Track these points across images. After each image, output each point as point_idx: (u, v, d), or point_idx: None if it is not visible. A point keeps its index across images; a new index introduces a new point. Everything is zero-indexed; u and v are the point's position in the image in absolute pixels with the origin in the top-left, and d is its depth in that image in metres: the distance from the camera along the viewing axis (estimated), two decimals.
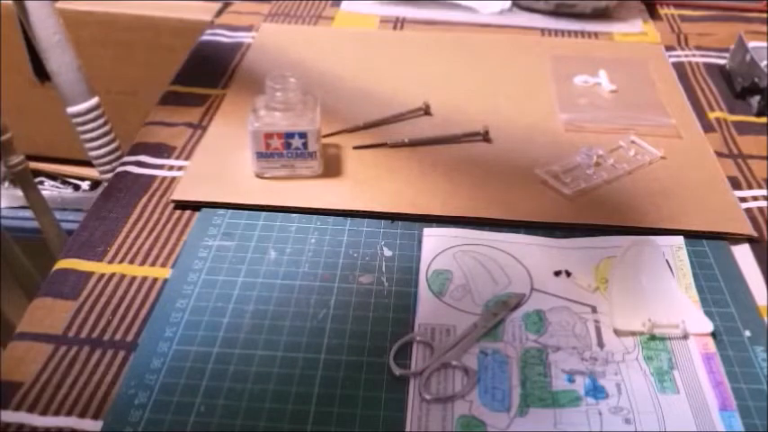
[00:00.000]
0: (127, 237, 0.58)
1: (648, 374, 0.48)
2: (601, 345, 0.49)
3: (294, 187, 0.62)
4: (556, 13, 0.95)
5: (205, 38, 0.86)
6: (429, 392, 0.46)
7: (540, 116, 0.74)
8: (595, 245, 0.58)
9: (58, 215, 1.03)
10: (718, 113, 0.76)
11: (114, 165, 0.87)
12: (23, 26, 0.84)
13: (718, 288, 0.54)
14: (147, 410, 0.45)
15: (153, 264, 0.55)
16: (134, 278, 0.54)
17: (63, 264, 0.55)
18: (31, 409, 0.45)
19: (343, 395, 0.46)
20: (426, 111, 0.73)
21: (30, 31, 0.83)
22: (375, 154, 0.67)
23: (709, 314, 0.52)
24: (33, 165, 1.12)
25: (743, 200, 0.63)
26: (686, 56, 0.87)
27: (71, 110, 0.85)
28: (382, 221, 0.60)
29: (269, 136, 0.61)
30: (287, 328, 0.50)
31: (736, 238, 0.59)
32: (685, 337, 0.50)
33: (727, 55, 0.83)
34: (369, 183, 0.63)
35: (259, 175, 0.63)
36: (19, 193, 1.11)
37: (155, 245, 0.57)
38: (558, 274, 0.55)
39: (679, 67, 0.84)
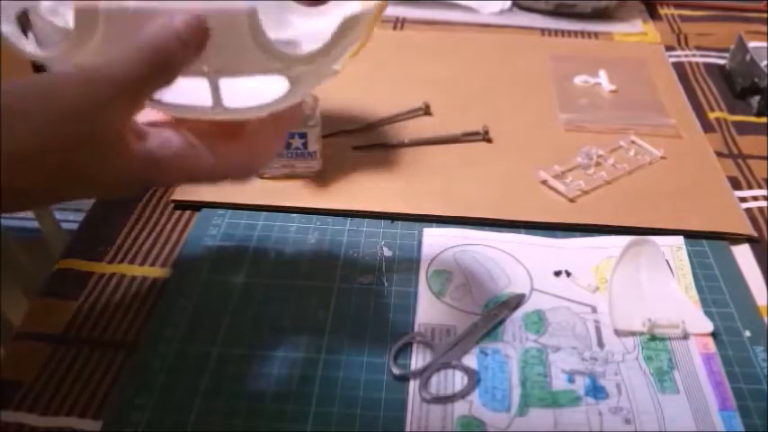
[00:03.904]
0: (127, 237, 0.58)
1: (648, 374, 0.47)
2: (601, 345, 0.49)
3: (294, 187, 0.62)
4: (556, 13, 0.95)
5: None
6: (429, 392, 0.46)
7: (540, 116, 0.74)
8: (595, 245, 0.58)
9: (58, 215, 1.03)
10: (718, 113, 0.76)
11: None
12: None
13: (718, 288, 0.54)
14: (147, 411, 0.45)
15: (153, 264, 0.55)
16: (134, 278, 0.54)
17: (63, 264, 0.55)
18: (31, 410, 0.45)
19: (343, 395, 0.46)
20: (426, 111, 0.73)
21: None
22: (375, 154, 0.67)
23: (709, 314, 0.52)
24: None
25: (743, 200, 0.63)
26: (686, 56, 0.87)
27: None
28: (382, 221, 0.60)
29: None
30: (287, 329, 0.50)
31: (736, 238, 0.59)
32: (685, 337, 0.50)
33: (727, 55, 0.83)
34: (369, 183, 0.63)
35: (259, 175, 0.63)
36: None
37: (155, 245, 0.57)
38: (558, 274, 0.55)
39: (679, 67, 0.84)
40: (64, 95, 0.36)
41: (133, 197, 0.59)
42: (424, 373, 0.47)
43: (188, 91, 0.41)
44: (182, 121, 0.43)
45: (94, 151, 0.38)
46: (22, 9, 0.42)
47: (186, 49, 0.38)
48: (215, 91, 0.41)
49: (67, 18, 0.43)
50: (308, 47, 0.41)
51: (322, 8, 0.48)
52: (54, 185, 0.39)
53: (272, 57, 0.40)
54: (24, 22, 0.44)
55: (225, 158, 0.42)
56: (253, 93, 0.42)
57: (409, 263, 0.56)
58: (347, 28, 0.42)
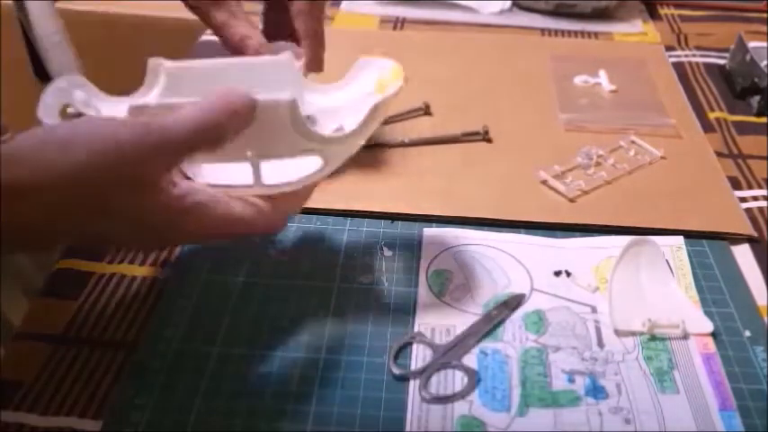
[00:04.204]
0: None
1: (648, 374, 0.47)
2: (601, 345, 0.49)
3: None
4: (556, 13, 0.95)
5: (205, 38, 0.86)
6: (429, 392, 0.46)
7: (540, 116, 0.74)
8: (595, 245, 0.58)
9: None
10: (718, 113, 0.76)
11: None
12: (23, 26, 0.84)
13: (718, 288, 0.54)
14: (147, 411, 0.45)
15: (153, 264, 0.55)
16: (134, 278, 0.54)
17: (63, 264, 0.55)
18: (30, 410, 0.45)
19: (343, 395, 0.46)
20: (426, 111, 0.73)
21: (30, 31, 0.83)
22: (375, 154, 0.67)
23: (709, 314, 0.52)
24: None
25: (743, 200, 0.63)
26: (686, 56, 0.87)
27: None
28: (382, 221, 0.60)
29: None
30: (287, 328, 0.50)
31: (736, 238, 0.59)
32: (685, 337, 0.50)
33: (727, 55, 0.83)
34: (369, 183, 0.63)
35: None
36: None
37: None
38: (558, 274, 0.55)
39: (679, 67, 0.84)
40: (116, 134, 0.38)
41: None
42: (424, 373, 0.47)
43: (224, 168, 0.45)
44: None
45: (126, 189, 0.39)
46: (63, 105, 0.45)
47: (236, 123, 0.42)
48: (256, 172, 0.45)
49: (99, 108, 0.46)
50: (324, 122, 0.46)
51: (335, 86, 0.52)
52: (74, 219, 0.40)
53: (309, 140, 0.45)
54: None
55: (252, 211, 0.45)
56: (286, 166, 0.46)
57: (409, 263, 0.56)
58: (376, 112, 0.47)
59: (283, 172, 0.46)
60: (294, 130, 0.44)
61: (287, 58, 0.51)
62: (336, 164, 0.47)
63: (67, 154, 0.37)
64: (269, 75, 0.47)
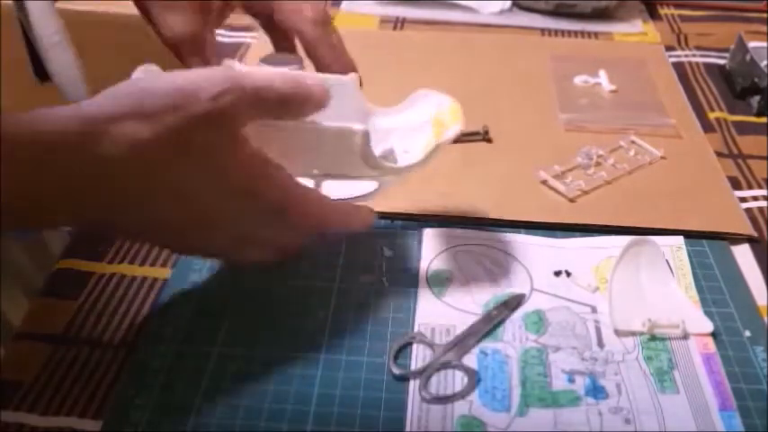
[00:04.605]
0: None
1: (648, 374, 0.47)
2: (601, 345, 0.49)
3: None
4: (556, 13, 0.95)
5: None
6: (429, 392, 0.46)
7: (540, 116, 0.74)
8: (595, 245, 0.58)
9: None
10: (718, 113, 0.76)
11: None
12: (23, 26, 0.84)
13: (718, 288, 0.54)
14: (147, 411, 0.45)
15: (153, 264, 0.55)
16: (134, 278, 0.54)
17: (63, 264, 0.55)
18: (31, 410, 0.45)
19: (343, 395, 0.46)
20: None
21: (30, 31, 0.83)
22: None
23: (709, 314, 0.52)
24: None
25: (743, 200, 0.63)
26: (686, 56, 0.87)
27: None
28: (382, 221, 0.60)
29: None
30: (287, 328, 0.50)
31: (736, 238, 0.59)
32: (685, 337, 0.50)
33: (727, 55, 0.83)
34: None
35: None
36: None
37: None
38: (558, 274, 0.55)
39: (679, 67, 0.84)
40: (191, 78, 0.41)
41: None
42: (424, 373, 0.47)
43: None
44: None
45: (212, 129, 0.41)
46: None
47: (307, 101, 0.44)
48: (317, 188, 0.49)
49: None
50: (375, 141, 0.49)
51: (394, 109, 0.56)
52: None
53: (373, 167, 0.48)
54: None
55: (331, 203, 0.48)
56: (341, 186, 0.50)
57: (409, 263, 0.56)
58: (436, 151, 0.50)
59: (338, 189, 0.49)
60: (361, 157, 0.47)
61: (352, 79, 0.54)
62: (389, 187, 0.51)
63: (145, 99, 0.39)
64: (333, 93, 0.48)
